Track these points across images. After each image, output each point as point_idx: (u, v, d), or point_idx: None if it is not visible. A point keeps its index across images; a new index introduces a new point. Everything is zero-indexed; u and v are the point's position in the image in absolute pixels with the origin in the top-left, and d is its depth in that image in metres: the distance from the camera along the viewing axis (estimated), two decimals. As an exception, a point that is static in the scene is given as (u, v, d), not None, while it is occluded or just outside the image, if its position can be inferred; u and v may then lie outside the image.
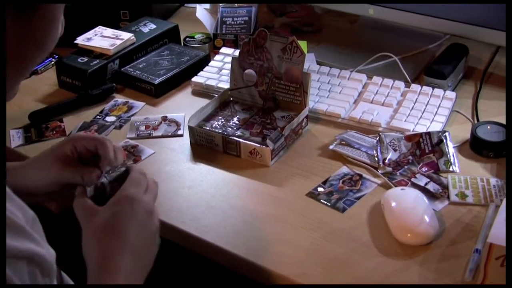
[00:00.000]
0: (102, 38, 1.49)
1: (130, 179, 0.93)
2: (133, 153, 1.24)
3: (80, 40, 1.49)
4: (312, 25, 1.67)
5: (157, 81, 1.41)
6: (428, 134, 1.19)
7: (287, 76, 1.26)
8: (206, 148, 1.25)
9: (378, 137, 1.21)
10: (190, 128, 1.25)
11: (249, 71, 1.30)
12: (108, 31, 1.52)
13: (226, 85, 1.37)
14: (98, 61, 1.43)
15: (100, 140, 1.00)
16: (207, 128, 1.25)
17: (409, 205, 1.04)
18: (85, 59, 1.45)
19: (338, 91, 1.35)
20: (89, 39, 1.49)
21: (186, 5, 1.85)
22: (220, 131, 1.24)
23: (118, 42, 1.47)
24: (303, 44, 1.54)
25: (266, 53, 1.27)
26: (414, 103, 1.29)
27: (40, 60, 0.77)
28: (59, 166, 0.99)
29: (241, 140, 1.20)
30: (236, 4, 1.65)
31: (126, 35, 1.50)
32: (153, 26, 1.58)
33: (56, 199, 1.14)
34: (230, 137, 1.21)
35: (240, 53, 1.31)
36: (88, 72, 1.40)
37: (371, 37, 1.59)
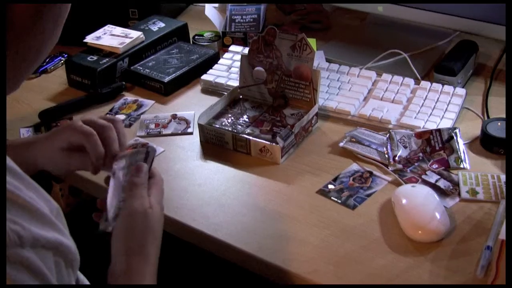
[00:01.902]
0: (111, 37, 1.49)
1: (129, 193, 0.92)
2: (143, 151, 1.24)
3: (89, 39, 1.49)
4: (321, 23, 1.67)
5: (166, 79, 1.41)
6: (438, 131, 1.19)
7: (296, 74, 1.26)
8: (216, 146, 1.25)
9: (388, 134, 1.21)
10: (199, 126, 1.25)
11: (258, 68, 1.31)
12: (117, 30, 1.52)
13: (236, 83, 1.37)
14: (107, 59, 1.44)
15: (85, 133, 0.99)
16: (217, 126, 1.25)
17: (420, 202, 1.04)
18: (95, 57, 1.45)
19: (348, 89, 1.35)
20: (98, 37, 1.50)
21: (194, 4, 1.85)
22: (230, 129, 1.24)
23: (127, 40, 1.47)
24: (312, 42, 1.53)
25: (275, 51, 1.27)
26: (424, 100, 1.29)
27: (52, 45, 0.76)
28: (59, 154, 1.02)
29: (251, 137, 1.20)
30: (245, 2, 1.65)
31: (135, 34, 1.50)
32: (162, 24, 1.59)
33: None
34: (240, 134, 1.21)
35: (249, 51, 1.31)
36: (98, 70, 1.40)
37: (380, 34, 1.59)
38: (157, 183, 0.95)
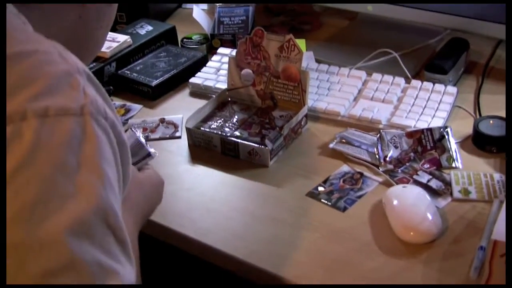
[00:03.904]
0: (98, 41, 1.48)
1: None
2: (131, 156, 1.22)
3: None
4: (310, 24, 1.65)
5: (154, 83, 1.39)
6: (430, 130, 1.17)
7: (285, 75, 1.25)
8: (204, 150, 1.23)
9: (378, 135, 1.19)
10: (187, 129, 1.23)
11: (246, 70, 1.29)
12: (105, 34, 1.50)
13: (224, 86, 1.35)
14: (94, 64, 1.41)
15: None
16: (205, 130, 1.23)
17: (411, 203, 1.02)
18: (81, 62, 1.43)
19: (338, 89, 1.33)
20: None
21: (183, 6, 1.84)
22: (218, 132, 1.22)
23: (115, 44, 1.46)
24: (301, 43, 1.52)
25: (263, 52, 1.26)
26: (415, 99, 1.27)
27: (102, 43, 0.87)
28: None
29: (239, 140, 1.18)
30: (233, 4, 1.63)
31: (122, 38, 1.48)
32: (150, 27, 1.57)
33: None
34: (228, 138, 1.19)
35: (237, 52, 1.29)
36: (84, 76, 1.38)
37: (370, 33, 1.57)
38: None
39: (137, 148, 0.97)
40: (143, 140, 0.99)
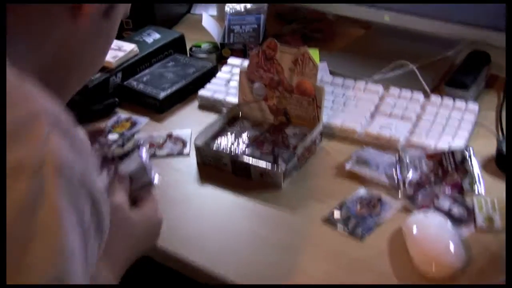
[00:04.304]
0: (104, 50, 1.42)
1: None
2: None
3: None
4: (324, 32, 1.59)
5: (161, 95, 1.34)
6: (451, 152, 1.11)
7: (299, 90, 1.19)
8: (214, 168, 1.17)
9: (397, 155, 1.13)
10: (196, 147, 1.18)
11: (258, 84, 1.23)
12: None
13: (235, 99, 1.30)
14: (99, 74, 1.36)
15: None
16: (215, 148, 1.18)
17: (433, 233, 0.97)
18: (86, 72, 1.38)
19: (353, 104, 1.27)
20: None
21: (192, 12, 1.78)
22: (229, 151, 1.17)
23: (121, 54, 1.40)
24: (314, 53, 1.46)
25: (276, 65, 1.20)
26: (435, 117, 1.21)
27: (102, 61, 0.82)
28: None
29: (251, 161, 1.12)
30: (243, 8, 1.57)
31: (129, 46, 1.42)
32: (157, 35, 1.51)
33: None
34: (240, 157, 1.14)
35: (248, 65, 1.23)
36: (89, 87, 1.33)
37: (386, 43, 1.51)
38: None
39: (140, 173, 0.92)
40: (148, 164, 0.94)
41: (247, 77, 1.24)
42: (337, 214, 1.05)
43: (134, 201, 0.93)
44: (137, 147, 0.98)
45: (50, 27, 0.68)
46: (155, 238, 0.96)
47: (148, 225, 0.93)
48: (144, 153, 0.96)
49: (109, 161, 0.93)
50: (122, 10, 0.77)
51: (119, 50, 1.41)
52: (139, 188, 0.92)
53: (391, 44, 1.50)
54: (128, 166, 0.94)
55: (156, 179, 0.95)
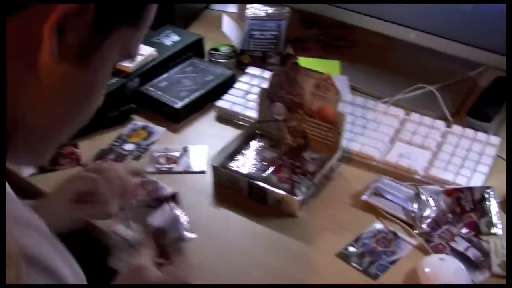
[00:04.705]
0: (122, 54, 1.40)
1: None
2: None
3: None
4: (345, 40, 1.56)
5: (179, 105, 1.32)
6: (470, 189, 1.10)
7: (320, 115, 1.17)
8: (230, 190, 1.16)
9: (415, 190, 1.12)
10: (213, 168, 1.17)
11: (278, 104, 1.21)
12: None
13: (252, 113, 1.28)
14: (116, 80, 1.33)
15: (91, 179, 0.98)
16: (232, 169, 1.17)
17: (448, 280, 0.96)
18: (103, 76, 1.35)
19: (373, 128, 1.25)
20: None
21: (211, 7, 1.74)
22: (246, 172, 1.16)
23: (139, 58, 1.38)
24: (335, 64, 1.44)
25: (298, 88, 1.18)
26: (455, 148, 1.20)
27: (89, 111, 0.69)
28: (70, 207, 0.99)
29: (267, 187, 1.11)
30: (263, 12, 1.54)
31: (147, 50, 1.40)
32: (176, 37, 1.48)
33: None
34: (256, 182, 1.13)
35: (269, 84, 1.21)
36: (105, 93, 1.30)
37: (408, 57, 1.48)
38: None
39: (172, 226, 0.91)
40: (181, 217, 0.93)
41: (267, 96, 1.22)
42: (352, 249, 1.04)
43: (166, 255, 0.92)
44: (171, 197, 0.96)
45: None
46: None
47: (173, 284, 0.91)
48: (176, 205, 0.94)
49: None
50: (111, 53, 0.63)
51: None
52: (171, 243, 0.91)
53: (413, 58, 1.47)
54: (159, 218, 0.93)
55: (188, 234, 0.93)
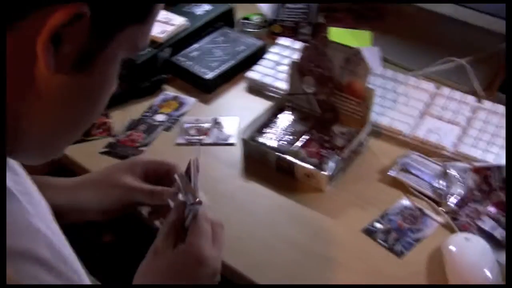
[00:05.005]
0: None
1: (197, 228, 0.85)
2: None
3: (131, 24, 1.40)
4: (377, 10, 1.55)
5: (209, 75, 1.33)
6: (499, 167, 1.10)
7: (349, 89, 1.17)
8: (258, 163, 1.18)
9: (443, 167, 1.12)
10: (243, 140, 1.18)
11: (308, 77, 1.22)
12: (160, 14, 1.42)
13: (283, 85, 1.29)
14: (148, 49, 1.34)
15: (172, 166, 0.98)
16: (261, 142, 1.18)
17: (473, 260, 0.97)
18: (135, 46, 1.36)
19: (403, 102, 1.25)
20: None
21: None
22: (275, 146, 1.17)
23: (170, 28, 1.38)
24: (367, 35, 1.43)
25: (327, 62, 1.18)
26: (485, 124, 1.19)
27: (95, 116, 0.68)
28: (125, 188, 0.97)
29: (296, 161, 1.12)
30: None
31: (178, 20, 1.40)
32: (207, 7, 1.48)
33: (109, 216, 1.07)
34: (284, 156, 1.14)
35: (300, 58, 1.21)
36: (137, 63, 1.32)
37: (439, 29, 1.46)
38: (219, 236, 0.88)
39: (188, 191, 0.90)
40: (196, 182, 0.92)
41: (297, 69, 1.22)
42: (378, 225, 1.06)
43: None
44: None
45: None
46: (194, 279, 0.84)
47: (182, 267, 0.83)
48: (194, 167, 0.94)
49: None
50: (116, 55, 0.61)
51: (168, 24, 1.39)
52: (188, 213, 0.90)
53: (445, 30, 1.45)
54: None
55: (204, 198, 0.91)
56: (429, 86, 1.28)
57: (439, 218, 1.06)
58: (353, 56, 1.15)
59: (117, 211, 1.00)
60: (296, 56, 1.24)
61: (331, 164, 1.11)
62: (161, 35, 1.36)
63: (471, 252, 0.98)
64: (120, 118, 1.29)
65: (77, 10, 0.52)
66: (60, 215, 0.75)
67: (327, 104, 1.22)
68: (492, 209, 1.06)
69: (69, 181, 1.02)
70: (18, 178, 0.66)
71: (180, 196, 0.89)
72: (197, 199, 0.86)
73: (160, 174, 1.00)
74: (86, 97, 0.63)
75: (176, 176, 0.90)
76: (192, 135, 1.24)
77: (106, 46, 0.58)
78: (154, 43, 1.36)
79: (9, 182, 0.61)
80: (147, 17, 0.61)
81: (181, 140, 1.23)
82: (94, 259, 0.90)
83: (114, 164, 1.04)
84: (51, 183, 0.98)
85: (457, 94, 1.25)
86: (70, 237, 0.71)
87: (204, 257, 0.83)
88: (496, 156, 1.14)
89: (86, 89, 0.61)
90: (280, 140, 1.19)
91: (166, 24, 1.39)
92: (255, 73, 1.35)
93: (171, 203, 0.92)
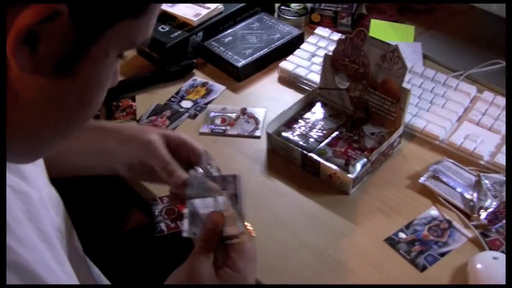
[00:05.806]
0: (187, 5, 1.35)
1: (246, 253, 0.81)
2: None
3: (164, 4, 1.36)
4: (425, 3, 1.47)
5: (240, 63, 1.28)
6: (536, 182, 1.03)
7: (383, 88, 1.11)
8: (283, 159, 1.13)
9: (477, 177, 1.06)
10: (268, 135, 1.13)
11: (342, 73, 1.16)
12: (195, -4, 1.38)
13: (316, 77, 1.23)
14: (179, 32, 1.30)
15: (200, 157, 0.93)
16: (287, 138, 1.13)
17: (499, 281, 0.91)
18: (167, 28, 1.32)
19: (441, 104, 1.18)
20: (173, 4, 1.36)
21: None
22: (301, 143, 1.11)
23: (204, 11, 1.34)
24: (410, 30, 1.37)
25: (362, 57, 1.12)
26: (526, 134, 1.12)
27: (85, 119, 0.62)
28: (149, 146, 0.92)
29: (321, 161, 1.07)
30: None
31: (213, 4, 1.35)
32: (245, -10, 1.43)
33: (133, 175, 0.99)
34: (310, 154, 1.09)
35: (334, 51, 1.16)
36: (167, 46, 1.28)
37: (488, 29, 1.38)
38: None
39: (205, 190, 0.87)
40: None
41: (331, 63, 1.16)
42: (402, 235, 1.00)
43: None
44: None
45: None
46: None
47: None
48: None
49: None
50: (107, 54, 0.56)
51: (202, 7, 1.35)
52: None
53: (493, 31, 1.37)
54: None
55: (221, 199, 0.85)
56: (471, 89, 1.20)
57: (468, 233, 1.00)
58: (390, 54, 1.09)
59: (139, 172, 0.95)
60: (332, 47, 1.19)
61: (357, 166, 1.05)
62: (194, 18, 1.32)
63: (498, 272, 0.92)
64: (145, 102, 1.26)
65: (51, 9, 0.48)
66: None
67: (360, 102, 1.16)
68: (526, 227, 0.99)
69: (110, 125, 1.00)
70: None
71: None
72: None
73: (187, 159, 0.95)
74: (74, 102, 0.58)
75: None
76: (217, 125, 1.19)
77: (93, 45, 0.53)
78: (186, 26, 1.32)
79: None
80: (141, 11, 0.55)
81: (205, 130, 1.19)
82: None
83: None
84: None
85: (499, 99, 1.18)
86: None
87: (250, 282, 0.80)
88: (535, 170, 1.07)
89: (73, 93, 0.57)
90: (307, 136, 1.13)
91: (200, 7, 1.35)
92: (289, 63, 1.30)
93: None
